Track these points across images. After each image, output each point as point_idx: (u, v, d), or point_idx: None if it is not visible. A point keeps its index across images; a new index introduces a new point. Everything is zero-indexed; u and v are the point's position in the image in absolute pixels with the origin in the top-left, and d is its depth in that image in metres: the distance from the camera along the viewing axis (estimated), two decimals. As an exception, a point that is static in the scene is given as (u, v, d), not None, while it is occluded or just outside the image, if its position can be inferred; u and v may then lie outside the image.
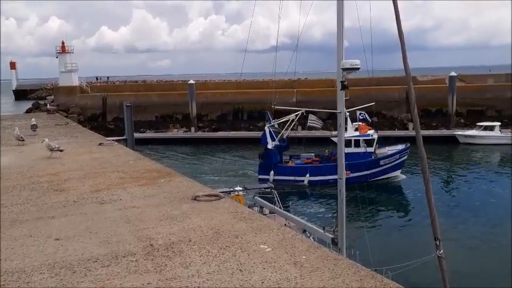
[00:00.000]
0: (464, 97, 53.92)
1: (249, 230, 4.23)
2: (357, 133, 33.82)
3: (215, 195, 5.34)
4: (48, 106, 41.91)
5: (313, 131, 46.59)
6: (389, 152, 34.09)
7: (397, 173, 34.39)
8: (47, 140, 9.55)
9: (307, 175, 32.63)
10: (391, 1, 12.22)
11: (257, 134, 48.96)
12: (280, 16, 16.41)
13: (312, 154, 35.18)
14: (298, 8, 16.91)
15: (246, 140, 50.33)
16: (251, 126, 55.44)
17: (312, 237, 16.65)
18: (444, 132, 49.39)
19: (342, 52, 14.88)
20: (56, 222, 4.83)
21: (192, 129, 55.60)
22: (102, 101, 58.70)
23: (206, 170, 38.88)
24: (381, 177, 33.52)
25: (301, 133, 51.40)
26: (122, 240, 4.18)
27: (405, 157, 34.50)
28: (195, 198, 5.26)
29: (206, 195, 5.31)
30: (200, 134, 54.80)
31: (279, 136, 33.50)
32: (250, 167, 40.31)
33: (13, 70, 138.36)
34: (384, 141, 37.53)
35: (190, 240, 4.04)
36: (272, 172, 33.53)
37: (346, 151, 32.51)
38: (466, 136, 46.17)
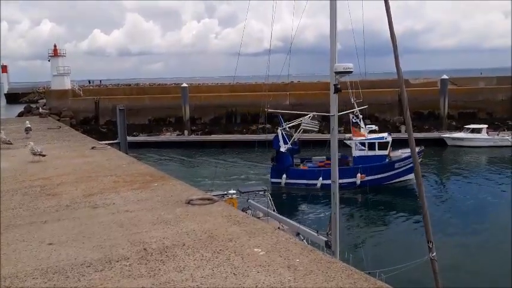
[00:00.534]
0: (455, 100, 54.33)
1: (242, 234, 4.23)
2: (372, 136, 33.70)
3: (209, 199, 5.34)
4: (40, 110, 41.59)
5: (307, 134, 46.66)
6: (404, 155, 33.93)
7: (411, 176, 34.44)
8: (31, 143, 9.52)
9: (320, 178, 32.48)
10: (384, 4, 12.30)
11: (251, 137, 49.08)
12: (273, 19, 16.46)
13: (324, 157, 35.10)
14: (291, 11, 16.99)
15: (239, 143, 50.34)
16: (244, 129, 55.46)
17: (306, 240, 16.69)
18: (432, 134, 49.64)
19: (334, 55, 14.94)
20: (48, 226, 4.81)
21: (185, 132, 55.52)
22: (94, 104, 58.50)
23: (200, 173, 38.82)
24: (395, 181, 33.54)
25: (294, 135, 51.55)
26: (115, 244, 4.17)
27: (419, 160, 34.57)
28: (189, 202, 5.26)
29: (200, 199, 5.31)
30: (193, 138, 54.72)
31: (291, 139, 33.44)
32: (244, 170, 40.34)
33: (4, 73, 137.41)
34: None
35: (184, 244, 4.04)
36: (284, 175, 33.42)
37: (360, 154, 32.96)
38: (453, 139, 46.58)
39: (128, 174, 7.42)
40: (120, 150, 13.77)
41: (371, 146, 33.25)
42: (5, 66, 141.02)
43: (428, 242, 11.97)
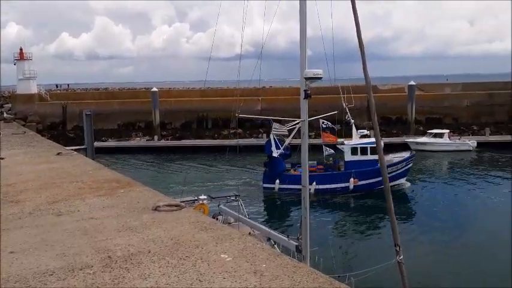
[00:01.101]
0: (422, 105, 55.72)
1: (209, 240, 4.21)
2: (364, 141, 33.92)
3: (176, 205, 5.30)
4: (5, 114, 40.53)
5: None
6: (395, 160, 34.39)
7: (403, 180, 34.86)
8: None
9: (314, 183, 32.60)
10: (352, 11, 12.51)
11: (222, 142, 49.00)
12: (244, 20, 16.50)
13: (315, 162, 35.17)
14: (262, 16, 17.07)
15: (211, 148, 50.19)
16: (216, 134, 55.34)
17: (277, 245, 16.73)
18: (397, 139, 50.60)
19: (304, 61, 15.10)
20: (10, 234, 4.67)
21: (155, 137, 54.99)
22: (62, 109, 57.34)
23: (170, 179, 38.47)
24: None
25: (266, 140, 51.74)
26: (79, 252, 4.09)
27: (410, 164, 35.07)
28: (156, 209, 5.20)
29: (167, 205, 5.26)
30: (164, 143, 54.25)
31: (284, 144, 33.33)
32: (216, 175, 40.19)
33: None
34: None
35: (149, 251, 3.99)
36: (278, 181, 33.28)
37: (353, 159, 33.17)
38: (417, 143, 47.70)
39: (93, 180, 7.28)
40: (86, 156, 13.53)
41: (363, 151, 33.53)
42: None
43: (395, 246, 12.19)
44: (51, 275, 3.60)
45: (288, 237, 17.40)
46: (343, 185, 32.54)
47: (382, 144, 33.82)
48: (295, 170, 34.51)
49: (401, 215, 27.83)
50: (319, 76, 14.77)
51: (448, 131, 49.12)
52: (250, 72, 18.01)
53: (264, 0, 16.64)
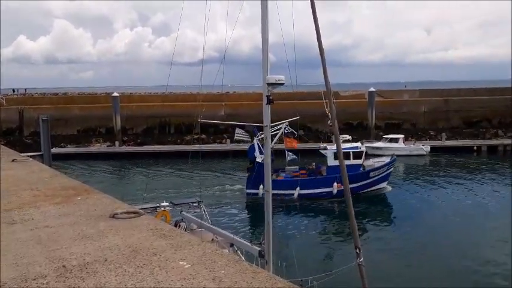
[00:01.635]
0: (382, 111, 57.14)
1: (168, 247, 4.16)
2: (347, 145, 34.07)
3: (134, 212, 5.20)
4: (-44, 120, 38.72)
5: (240, 144, 46.92)
6: (377, 164, 34.92)
7: (384, 184, 35.42)
8: None
9: (298, 188, 32.43)
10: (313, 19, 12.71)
11: (184, 148, 48.59)
12: (206, 25, 16.43)
13: (296, 167, 34.99)
14: (225, 21, 17.06)
15: (173, 154, 49.68)
16: (178, 139, 54.86)
17: (240, 251, 16.71)
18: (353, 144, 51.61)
19: (266, 67, 15.19)
20: (-42, 246, 4.46)
21: (116, 143, 53.97)
22: (18, 114, 55.51)
23: (131, 186, 37.81)
24: (370, 189, 34.22)
25: (229, 146, 51.75)
26: (32, 262, 3.95)
27: (392, 169, 35.72)
28: (113, 216, 5.09)
29: (125, 213, 5.16)
30: (125, 149, 53.32)
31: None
32: (178, 181, 39.78)
33: None
34: (308, 154, 38.65)
35: (106, 260, 3.90)
36: (262, 186, 33.13)
37: (335, 164, 33.42)
38: (373, 148, 48.87)
39: (49, 188, 7.07)
40: (43, 162, 13.12)
41: (346, 156, 33.93)
42: None
43: (355, 248, 12.40)
44: (3, 286, 3.47)
45: (251, 242, 17.40)
46: (326, 189, 32.98)
47: (364, 149, 34.60)
48: (277, 176, 34.66)
49: (365, 218, 28.42)
50: (281, 82, 14.89)
51: (402, 136, 50.61)
52: (213, 77, 17.94)
53: (227, 1, 16.63)
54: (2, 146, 14.61)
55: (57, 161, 41.58)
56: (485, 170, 43.79)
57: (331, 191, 33.01)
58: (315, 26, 12.48)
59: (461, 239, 24.93)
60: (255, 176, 33.33)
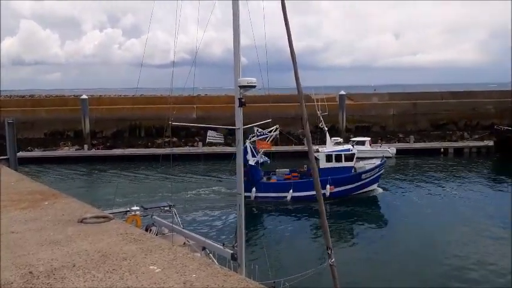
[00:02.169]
0: (352, 114, 57.97)
1: (138, 252, 4.11)
2: (338, 148, 34.43)
3: (104, 217, 5.12)
4: None
5: (213, 147, 46.77)
6: (368, 167, 35.16)
7: (375, 186, 35.76)
8: None
9: (291, 191, 32.25)
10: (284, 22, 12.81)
11: (155, 151, 48.08)
12: (177, 29, 16.30)
13: (287, 169, 34.78)
14: (197, 23, 16.97)
15: (144, 157, 49.12)
16: (149, 143, 54.27)
17: (212, 254, 16.63)
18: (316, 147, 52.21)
19: (238, 70, 15.18)
20: None
21: (85, 146, 52.97)
22: (-18, 117, 53.64)
23: (101, 190, 37.16)
24: (361, 191, 34.48)
25: (201, 149, 51.50)
26: (-3, 269, 3.83)
27: (382, 171, 36.10)
28: (82, 221, 4.99)
29: (94, 217, 5.06)
30: (94, 152, 52.38)
31: (261, 152, 33.04)
32: (149, 185, 39.33)
33: None
34: (282, 157, 38.86)
35: (74, 265, 3.82)
36: (254, 189, 32.79)
37: (328, 166, 33.52)
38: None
39: (15, 192, 6.88)
40: (9, 166, 12.75)
41: (338, 158, 34.01)
42: None
43: (327, 249, 12.53)
44: (-35, 295, 3.36)
45: (223, 245, 17.34)
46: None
47: (356, 151, 34.82)
48: (269, 178, 34.63)
49: (334, 219, 28.71)
50: (253, 84, 14.91)
51: (369, 138, 51.49)
52: (185, 79, 17.79)
53: (198, 1, 16.52)
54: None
55: (24, 165, 40.56)
56: (452, 171, 44.97)
57: (324, 193, 33.29)
58: (286, 27, 12.59)
59: (433, 238, 25.55)
60: (247, 179, 33.28)
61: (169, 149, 43.07)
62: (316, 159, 34.74)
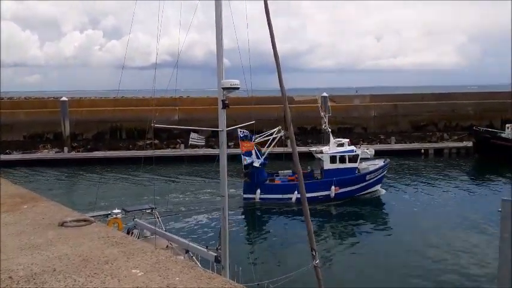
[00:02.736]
0: (335, 116, 58.19)
1: (120, 255, 4.05)
2: (342, 149, 34.42)
3: (85, 220, 5.03)
4: None
5: (195, 149, 46.59)
6: (372, 168, 35.31)
7: (378, 187, 35.90)
8: None
9: (296, 192, 32.02)
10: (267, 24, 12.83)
11: (137, 153, 47.64)
12: (159, 30, 16.18)
13: (290, 171, 34.58)
14: (179, 25, 16.86)
15: (125, 159, 48.65)
16: (131, 145, 53.78)
17: (196, 257, 16.53)
18: (302, 148, 52.40)
19: (222, 71, 15.14)
20: None
21: (65, 149, 52.23)
22: (-41, 119, 52.58)
23: (82, 193, 36.68)
24: (365, 192, 34.60)
25: (184, 151, 51.24)
26: (-25, 275, 3.74)
27: (385, 172, 36.26)
28: (62, 224, 4.90)
29: (74, 221, 4.98)
30: (74, 155, 51.70)
31: (264, 154, 32.94)
32: (131, 187, 38.98)
33: None
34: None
35: (54, 270, 3.75)
36: (259, 191, 32.58)
37: (332, 167, 33.53)
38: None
39: (-7, 196, 6.72)
40: (-13, 169, 12.48)
41: (342, 159, 34.08)
42: None
43: (311, 250, 12.56)
44: None
45: (207, 248, 17.25)
46: (324, 193, 33.30)
47: (360, 153, 34.98)
48: (273, 180, 34.54)
49: (318, 220, 28.83)
50: (237, 86, 14.89)
51: (347, 140, 51.83)
52: (167, 81, 17.66)
53: (181, 1, 16.43)
54: None
55: (3, 167, 39.83)
56: (432, 171, 45.59)
57: (329, 194, 33.51)
58: (270, 34, 12.60)
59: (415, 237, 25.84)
60: (252, 180, 33.19)
61: (151, 151, 42.72)
62: (320, 160, 35.10)
